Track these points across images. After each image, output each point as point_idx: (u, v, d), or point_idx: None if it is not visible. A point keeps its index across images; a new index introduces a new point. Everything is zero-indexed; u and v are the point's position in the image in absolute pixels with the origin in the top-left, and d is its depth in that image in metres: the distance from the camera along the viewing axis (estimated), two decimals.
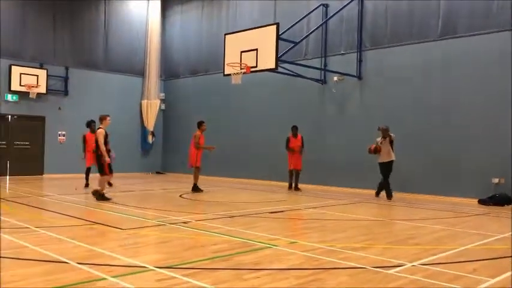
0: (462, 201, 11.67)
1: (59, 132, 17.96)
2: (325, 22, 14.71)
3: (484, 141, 11.63)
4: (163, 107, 20.88)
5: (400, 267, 5.03)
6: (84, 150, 13.54)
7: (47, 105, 17.72)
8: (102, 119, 10.57)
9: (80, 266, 4.83)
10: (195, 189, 12.72)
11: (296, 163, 13.83)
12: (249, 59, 12.60)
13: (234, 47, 13.09)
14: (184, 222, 7.71)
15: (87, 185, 13.42)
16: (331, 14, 14.37)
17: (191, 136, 12.99)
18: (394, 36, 13.54)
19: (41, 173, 17.55)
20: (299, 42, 13.48)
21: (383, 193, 12.13)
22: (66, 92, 18.23)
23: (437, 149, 12.41)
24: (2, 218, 7.76)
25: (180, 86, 20.54)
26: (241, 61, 12.77)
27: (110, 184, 13.33)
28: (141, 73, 20.34)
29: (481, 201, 11.34)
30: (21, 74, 16.83)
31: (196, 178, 12.81)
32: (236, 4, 17.96)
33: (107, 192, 11.02)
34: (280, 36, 12.39)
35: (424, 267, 5.06)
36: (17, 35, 17.08)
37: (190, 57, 20.00)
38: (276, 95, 16.27)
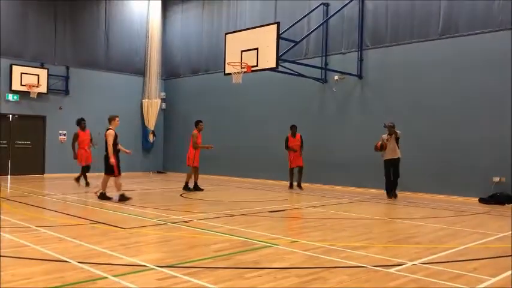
0: (463, 200, 11.67)
1: (60, 132, 17.97)
2: (326, 21, 14.71)
3: (484, 140, 11.63)
4: (164, 106, 20.90)
5: (401, 266, 5.04)
6: (74, 148, 13.51)
7: (47, 105, 17.73)
8: (111, 119, 10.46)
9: (80, 265, 4.84)
10: (186, 188, 12.76)
11: (297, 161, 13.82)
12: (249, 58, 12.59)
13: (235, 46, 13.08)
14: (185, 222, 7.72)
15: (87, 184, 13.44)
16: (332, 13, 14.37)
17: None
18: (394, 35, 13.54)
19: (42, 173, 17.58)
20: (300, 41, 13.47)
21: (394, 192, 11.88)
22: (67, 92, 18.24)
23: (437, 147, 12.41)
24: (3, 217, 7.77)
25: (180, 86, 20.55)
26: (241, 60, 12.76)
27: (87, 184, 13.37)
28: (142, 72, 20.36)
29: (482, 200, 11.34)
30: (22, 73, 16.84)
31: (189, 177, 12.82)
32: (237, 3, 17.95)
33: (95, 190, 11.06)
34: (281, 36, 12.38)
35: (424, 266, 5.06)
36: (17, 35, 17.09)
37: (191, 57, 20.01)
38: (277, 94, 16.27)
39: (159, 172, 20.69)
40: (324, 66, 14.83)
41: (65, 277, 4.42)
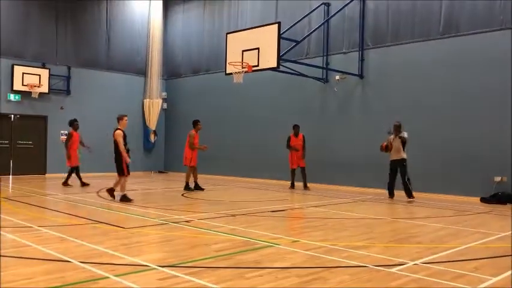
0: (464, 199, 11.66)
1: (61, 132, 17.96)
2: (327, 21, 14.71)
3: (486, 139, 11.62)
4: (165, 106, 20.92)
5: (402, 266, 5.04)
6: (67, 148, 13.51)
7: (49, 105, 17.76)
8: (119, 119, 10.36)
9: (82, 264, 4.85)
10: (187, 188, 12.76)
11: (299, 161, 13.81)
12: (250, 58, 12.59)
13: (236, 46, 13.08)
14: (187, 221, 7.73)
15: (84, 184, 13.42)
16: (333, 13, 14.37)
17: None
18: (396, 35, 13.53)
19: (44, 173, 17.59)
20: (301, 41, 13.47)
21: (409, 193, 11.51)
22: (68, 92, 18.26)
23: (439, 147, 12.40)
24: (5, 217, 7.79)
25: (181, 85, 20.56)
26: (242, 60, 12.76)
27: (84, 183, 13.35)
28: (143, 72, 20.37)
29: (483, 200, 11.33)
30: (23, 73, 16.87)
31: (188, 177, 12.83)
32: (238, 3, 17.96)
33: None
34: (282, 35, 12.38)
35: (425, 266, 5.06)
36: (19, 35, 17.11)
37: (192, 57, 20.02)
38: (278, 94, 16.27)
39: (160, 172, 20.71)
40: (325, 66, 14.83)
41: (66, 277, 4.43)
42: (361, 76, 14.17)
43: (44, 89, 17.29)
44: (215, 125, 17.94)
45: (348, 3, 14.09)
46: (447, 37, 12.50)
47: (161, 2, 20.61)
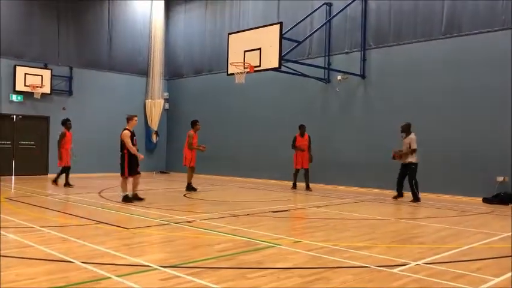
0: (466, 199, 11.64)
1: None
2: (329, 21, 14.70)
3: (488, 139, 11.59)
4: (167, 106, 20.92)
5: (404, 266, 5.04)
6: (60, 148, 13.48)
7: (51, 105, 17.77)
8: (129, 119, 10.36)
9: (84, 265, 4.85)
10: (189, 188, 12.75)
11: (304, 162, 13.76)
12: (252, 59, 12.58)
13: (238, 46, 13.08)
14: (189, 222, 7.73)
15: (68, 184, 13.39)
16: (335, 13, 14.35)
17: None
18: (398, 35, 13.51)
19: (46, 173, 17.59)
20: (303, 41, 13.47)
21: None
22: (70, 92, 18.28)
23: (441, 147, 12.38)
24: (7, 217, 7.80)
25: (183, 86, 20.57)
26: (244, 60, 12.75)
27: (68, 184, 13.31)
28: (145, 73, 20.39)
29: (485, 200, 11.31)
30: (25, 74, 16.89)
31: (190, 177, 12.82)
32: (239, 3, 17.97)
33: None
34: (284, 36, 12.37)
35: (427, 266, 5.06)
36: (21, 36, 17.13)
37: (193, 57, 20.03)
38: (280, 94, 16.27)
39: (162, 172, 20.71)
40: (327, 66, 14.82)
41: (68, 277, 4.44)
42: (363, 76, 14.16)
43: (46, 89, 17.32)
44: (217, 125, 17.95)
45: (350, 3, 14.08)
46: (449, 37, 12.49)
47: (163, 2, 20.62)
